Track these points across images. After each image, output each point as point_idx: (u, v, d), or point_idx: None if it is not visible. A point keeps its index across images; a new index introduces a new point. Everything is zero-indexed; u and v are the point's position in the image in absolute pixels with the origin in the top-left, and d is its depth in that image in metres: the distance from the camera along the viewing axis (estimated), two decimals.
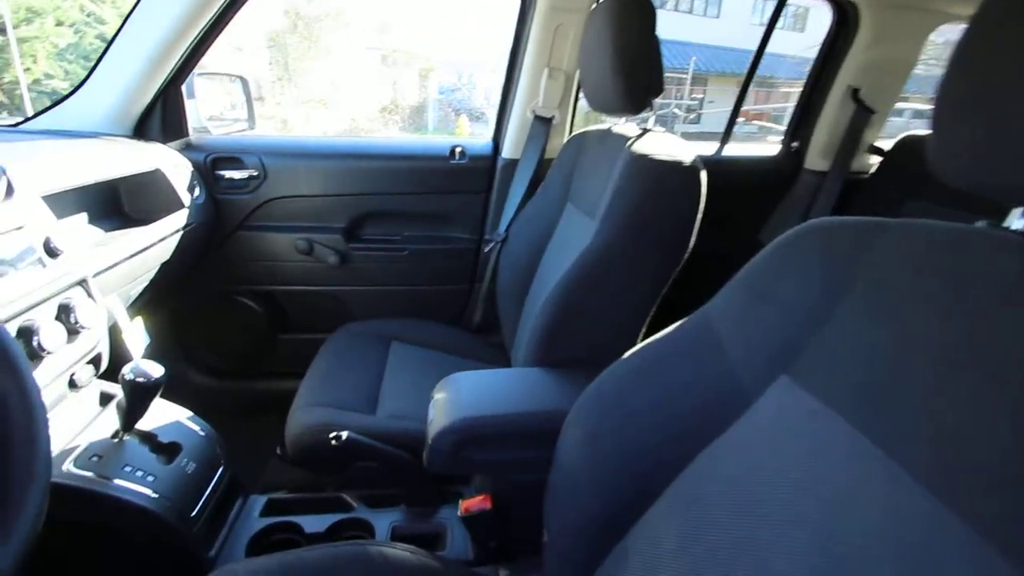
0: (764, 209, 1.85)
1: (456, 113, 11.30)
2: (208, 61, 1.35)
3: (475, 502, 0.81)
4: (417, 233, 1.58)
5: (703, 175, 0.85)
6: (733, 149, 1.78)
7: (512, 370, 0.95)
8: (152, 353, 1.11)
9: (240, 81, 1.61)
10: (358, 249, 1.52)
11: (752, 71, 1.78)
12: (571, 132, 1.55)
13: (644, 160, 0.86)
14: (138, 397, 0.79)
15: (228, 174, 1.42)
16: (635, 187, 0.86)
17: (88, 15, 6.37)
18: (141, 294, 1.15)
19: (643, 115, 0.98)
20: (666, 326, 0.56)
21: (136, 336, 1.04)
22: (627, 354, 0.57)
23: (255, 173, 1.43)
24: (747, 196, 1.78)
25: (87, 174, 0.99)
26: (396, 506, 1.04)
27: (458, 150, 1.51)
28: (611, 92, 0.94)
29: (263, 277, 1.54)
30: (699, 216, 0.86)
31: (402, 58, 10.76)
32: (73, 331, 0.80)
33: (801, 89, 1.77)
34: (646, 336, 0.60)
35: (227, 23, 1.28)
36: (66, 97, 1.22)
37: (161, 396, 0.91)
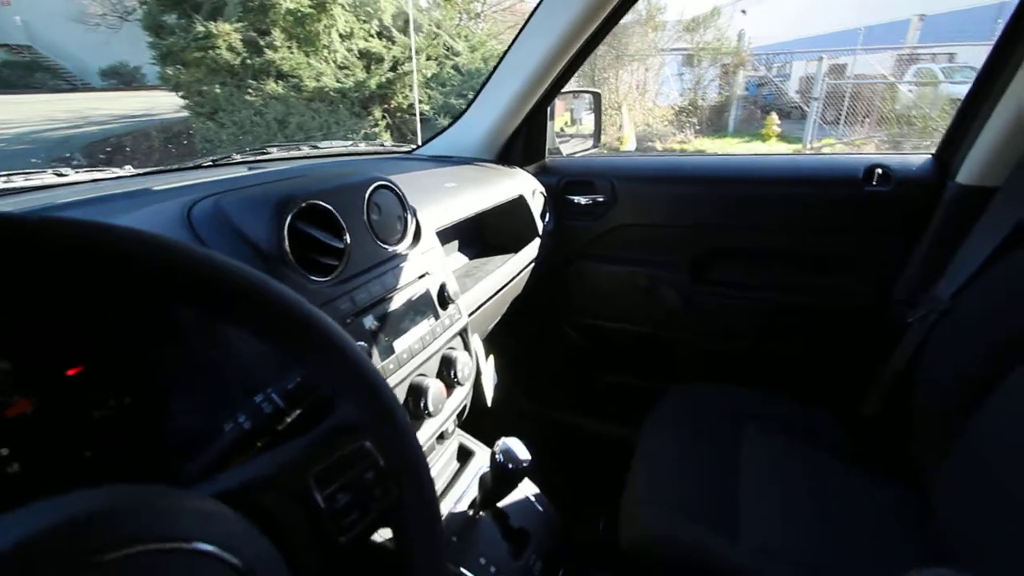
0: None
1: (764, 111, 9.95)
2: None
3: None
4: (790, 280, 1.20)
5: None
6: None
7: None
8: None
9: (593, 97, 1.51)
10: (707, 293, 1.24)
11: None
12: None
13: None
14: (506, 480, 0.69)
15: (577, 199, 1.31)
16: None
17: (447, 49, 7.80)
18: (491, 331, 1.12)
19: None
20: None
21: (490, 378, 0.99)
22: None
23: (603, 198, 1.29)
24: None
25: (471, 206, 0.97)
26: None
27: (878, 171, 1.07)
28: None
29: (593, 310, 1.40)
30: None
31: (708, 56, 10.00)
32: (451, 385, 0.74)
33: None
34: None
35: (596, 47, 1.14)
36: (448, 127, 1.29)
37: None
